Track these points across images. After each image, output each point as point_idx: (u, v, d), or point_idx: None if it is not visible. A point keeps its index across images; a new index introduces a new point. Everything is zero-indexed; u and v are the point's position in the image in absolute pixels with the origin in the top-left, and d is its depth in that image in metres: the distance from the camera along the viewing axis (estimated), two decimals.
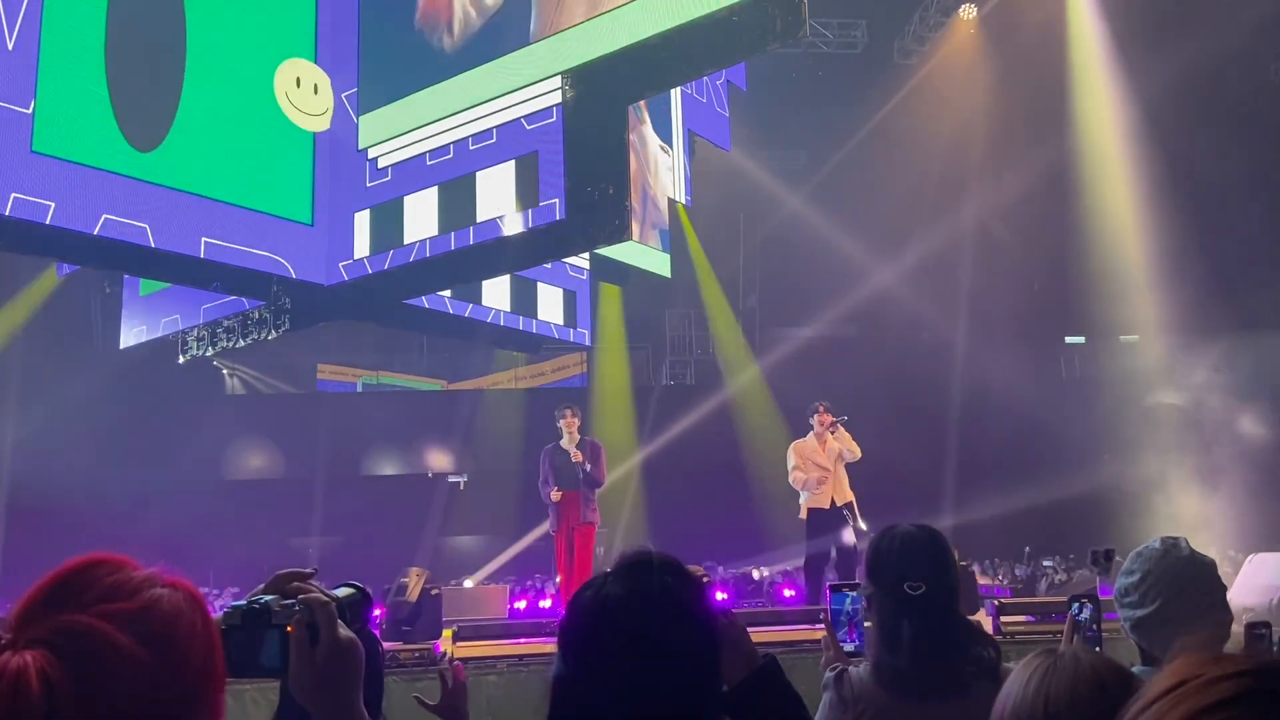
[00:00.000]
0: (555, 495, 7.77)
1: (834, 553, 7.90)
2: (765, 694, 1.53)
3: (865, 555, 2.28)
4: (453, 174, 7.49)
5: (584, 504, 7.77)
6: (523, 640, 6.03)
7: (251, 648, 1.18)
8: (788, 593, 9.34)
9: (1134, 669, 2.14)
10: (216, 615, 1.13)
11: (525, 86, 7.05)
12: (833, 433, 7.93)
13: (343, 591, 1.29)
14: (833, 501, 7.87)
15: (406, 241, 7.65)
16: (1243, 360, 14.07)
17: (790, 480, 8.00)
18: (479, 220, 7.30)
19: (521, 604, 9.74)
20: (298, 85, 7.95)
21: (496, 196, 7.25)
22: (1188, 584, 2.12)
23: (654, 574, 1.42)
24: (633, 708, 1.32)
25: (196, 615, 1.07)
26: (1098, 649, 2.24)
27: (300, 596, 1.20)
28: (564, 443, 7.90)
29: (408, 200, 7.72)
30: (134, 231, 6.98)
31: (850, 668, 2.19)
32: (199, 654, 1.05)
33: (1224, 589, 2.18)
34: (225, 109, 7.59)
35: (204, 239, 7.32)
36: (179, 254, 7.22)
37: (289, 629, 1.18)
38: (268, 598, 1.21)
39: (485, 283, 9.38)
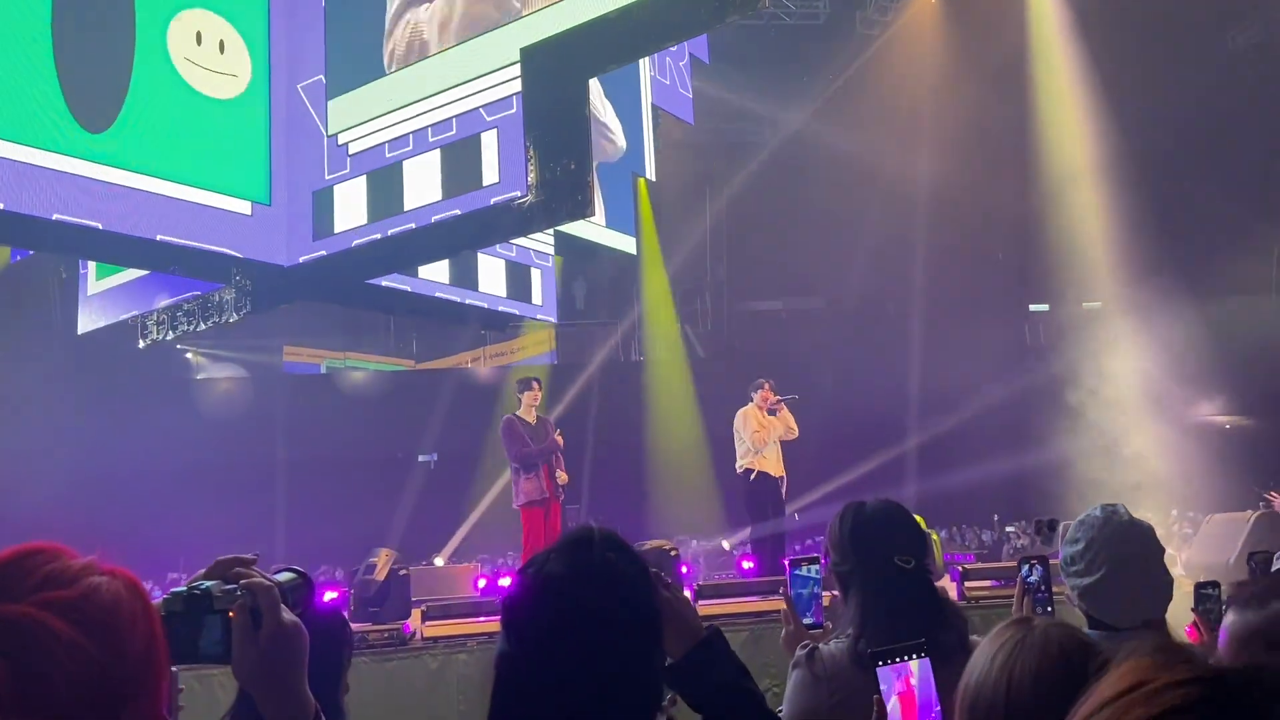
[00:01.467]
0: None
1: (771, 522, 8.21)
2: (710, 666, 1.54)
3: (836, 531, 2.27)
4: (414, 152, 7.41)
5: (554, 476, 8.01)
6: (492, 618, 6.04)
7: (193, 633, 1.17)
8: (746, 564, 9.47)
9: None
10: (157, 602, 1.12)
11: (488, 74, 6.97)
12: (775, 413, 8.18)
13: (284, 576, 1.29)
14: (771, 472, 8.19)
15: (367, 221, 7.56)
16: (1200, 326, 14.29)
17: (750, 440, 8.19)
18: (440, 199, 7.23)
19: (483, 582, 9.72)
20: (198, 42, 7.49)
21: (457, 174, 7.18)
22: (1130, 549, 2.16)
23: (595, 550, 1.43)
24: (576, 683, 1.33)
25: (137, 603, 1.06)
26: (1049, 609, 2.28)
27: (242, 581, 1.20)
28: (521, 411, 8.02)
29: (368, 180, 7.63)
30: (88, 215, 6.84)
31: (821, 645, 2.19)
32: (140, 641, 1.05)
33: (1163, 551, 2.22)
34: (177, 87, 7.43)
35: (159, 221, 7.19)
36: (134, 237, 7.08)
37: (231, 614, 1.17)
38: (208, 583, 1.20)
39: (448, 261, 9.29)
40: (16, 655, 0.93)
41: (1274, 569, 2.44)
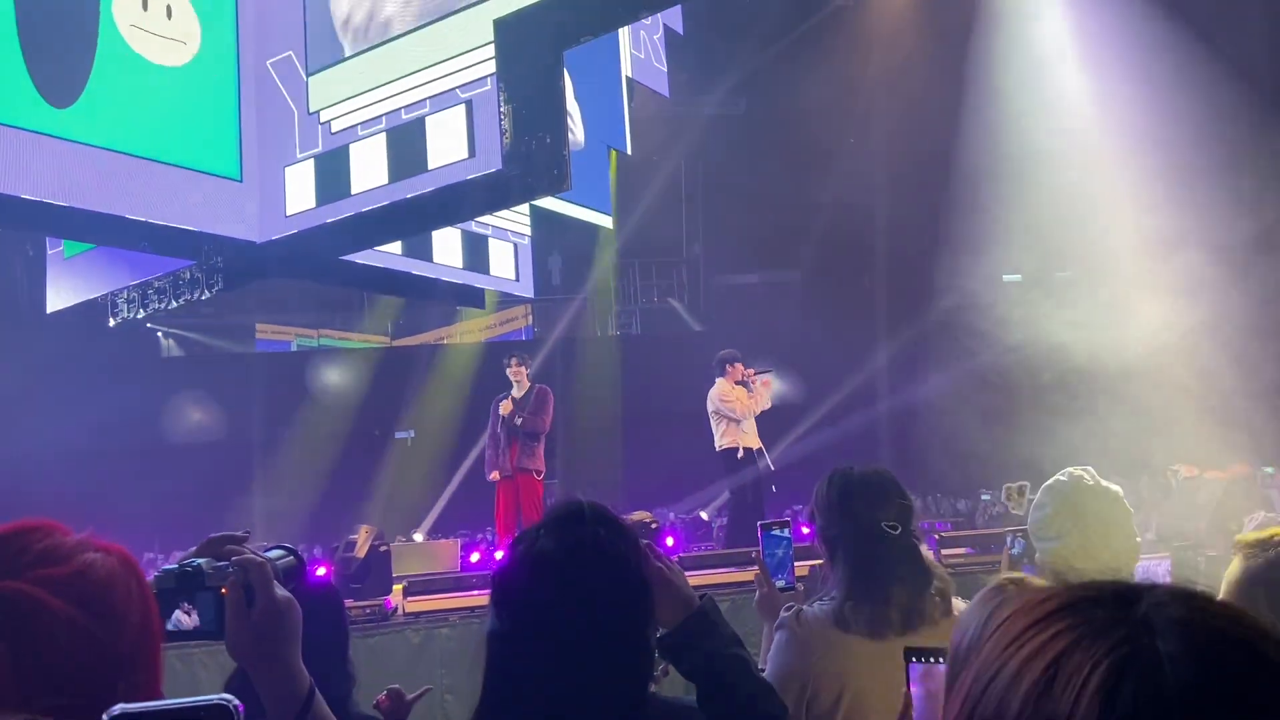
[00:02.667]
0: (504, 407, 7.81)
1: (750, 495, 8.23)
2: (703, 636, 1.54)
3: (824, 496, 2.28)
4: (388, 127, 7.33)
5: (521, 452, 7.78)
6: (474, 592, 6.06)
7: (183, 610, 1.17)
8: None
9: None
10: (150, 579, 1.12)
11: (465, 53, 6.90)
12: (749, 388, 8.19)
13: (275, 554, 1.29)
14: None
15: (339, 197, 7.49)
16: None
17: (730, 411, 8.19)
18: (415, 173, 7.16)
19: (476, 556, 9.75)
20: (145, 8, 7.31)
21: (433, 148, 7.11)
22: (1096, 513, 2.20)
23: (586, 525, 1.43)
24: (569, 659, 1.33)
25: (131, 579, 1.06)
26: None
27: (234, 559, 1.20)
28: (515, 392, 7.97)
29: (341, 154, 7.54)
30: (54, 192, 6.73)
31: (805, 607, 2.20)
32: (135, 616, 1.05)
33: (1129, 515, 2.26)
34: (143, 61, 7.31)
35: (127, 197, 7.09)
36: (102, 214, 6.99)
37: (223, 591, 1.17)
38: (199, 560, 1.20)
39: (427, 236, 9.24)
40: (13, 631, 0.93)
41: (1247, 529, 2.49)
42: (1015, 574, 1.89)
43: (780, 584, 2.26)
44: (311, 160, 7.67)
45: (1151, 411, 13.06)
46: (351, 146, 7.49)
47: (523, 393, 7.94)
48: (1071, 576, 2.10)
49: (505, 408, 7.82)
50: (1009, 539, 2.35)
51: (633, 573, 1.41)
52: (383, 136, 7.34)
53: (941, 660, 1.49)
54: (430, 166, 7.09)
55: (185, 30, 7.56)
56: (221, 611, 1.17)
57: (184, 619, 1.16)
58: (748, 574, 6.07)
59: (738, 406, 8.16)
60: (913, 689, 1.46)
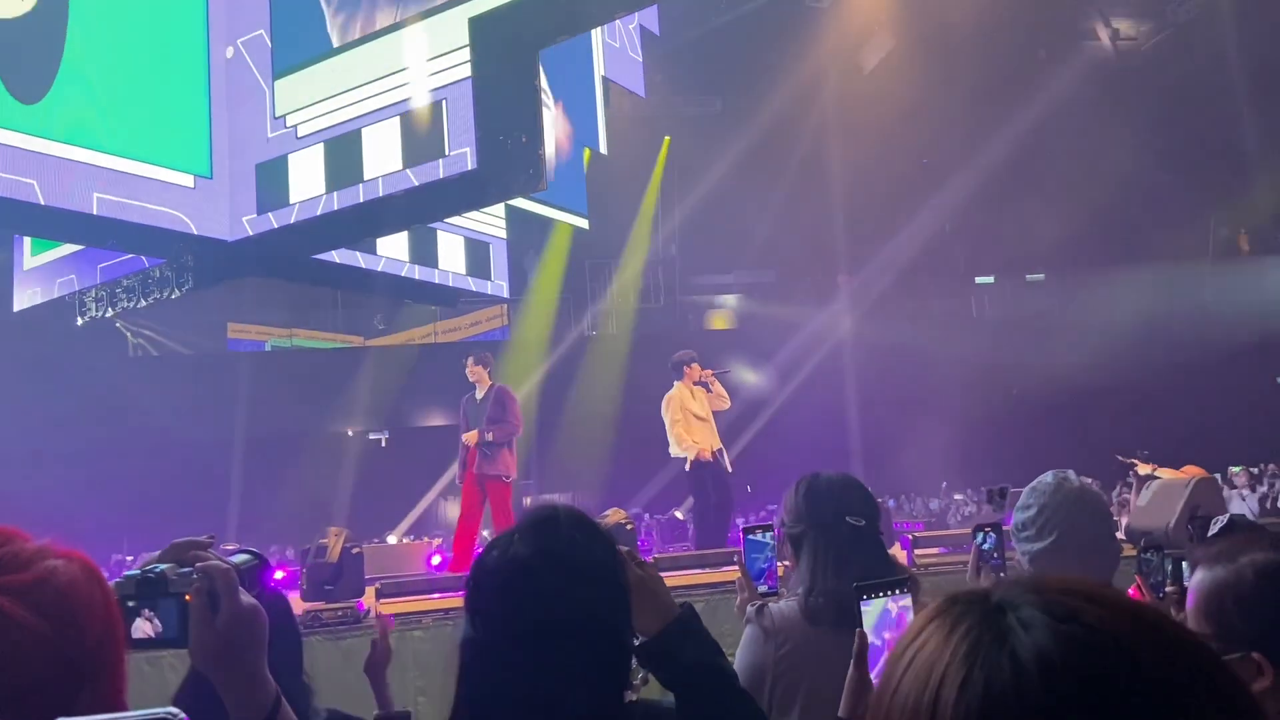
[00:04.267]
0: (468, 438, 7.61)
1: (714, 497, 8.09)
2: (683, 645, 1.53)
3: (791, 500, 2.30)
4: (362, 125, 7.28)
5: (482, 458, 7.45)
6: (447, 594, 6.01)
7: (146, 617, 1.15)
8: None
9: None
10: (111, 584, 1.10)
11: (441, 56, 6.87)
12: (708, 389, 8.03)
13: (240, 558, 1.27)
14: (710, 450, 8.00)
15: (313, 194, 7.43)
16: (1135, 291, 14.62)
17: (673, 437, 8.00)
18: (389, 171, 7.12)
19: (438, 559, 9.69)
20: None
21: (408, 148, 7.08)
22: (1080, 516, 2.21)
23: (561, 530, 1.41)
24: (543, 666, 1.31)
25: (93, 586, 1.04)
26: (1003, 575, 2.33)
27: (198, 564, 1.18)
28: (477, 394, 7.79)
29: (314, 151, 7.49)
30: (21, 188, 6.63)
31: (771, 603, 2.22)
32: (97, 624, 1.03)
33: (1112, 518, 2.28)
34: (112, 56, 7.22)
35: (96, 195, 7.00)
36: (70, 211, 6.89)
37: (187, 597, 1.15)
38: (163, 566, 1.18)
39: (398, 236, 9.18)
40: None
41: (1211, 533, 2.51)
42: (984, 580, 1.91)
43: (762, 589, 2.27)
44: (284, 155, 7.60)
45: (1117, 415, 13.25)
46: (325, 144, 7.44)
47: (483, 393, 7.72)
48: (1054, 578, 2.13)
49: (471, 439, 7.52)
50: (978, 535, 2.36)
51: (609, 579, 1.39)
52: (365, 132, 7.28)
53: (890, 592, 1.51)
54: (402, 167, 7.06)
55: None
56: (185, 618, 1.15)
57: (147, 626, 1.14)
58: (722, 574, 6.09)
59: (676, 424, 7.96)
60: (865, 623, 1.49)
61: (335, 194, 7.33)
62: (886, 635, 1.51)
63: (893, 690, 0.64)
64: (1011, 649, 0.59)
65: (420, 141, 7.00)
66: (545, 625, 1.32)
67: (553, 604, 1.33)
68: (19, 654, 0.93)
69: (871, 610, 1.52)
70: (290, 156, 7.58)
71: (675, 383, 8.10)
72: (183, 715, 0.79)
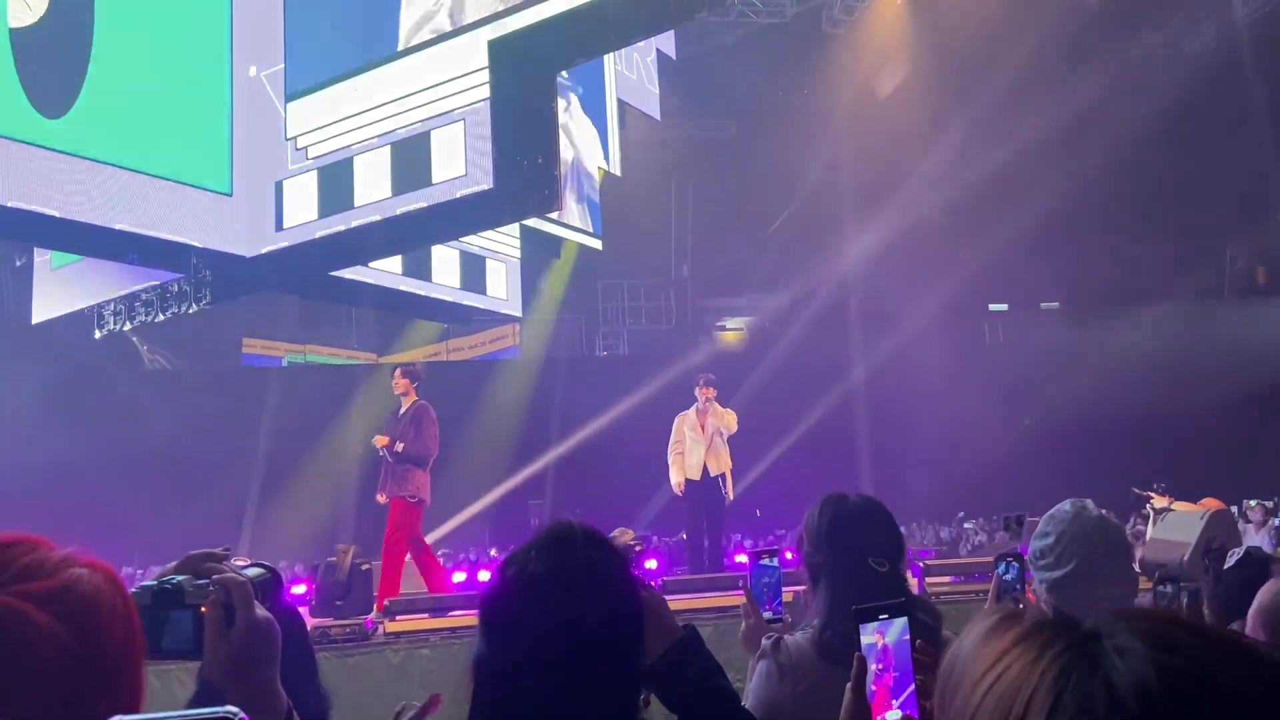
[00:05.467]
0: (377, 440, 7.10)
1: (706, 519, 8.06)
2: (687, 665, 1.52)
3: (814, 523, 2.25)
4: (378, 145, 7.35)
5: (389, 477, 7.12)
6: (456, 613, 6.01)
7: (162, 628, 1.15)
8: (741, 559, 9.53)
9: None
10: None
11: (456, 79, 6.94)
12: (703, 410, 7.97)
13: (254, 571, 1.27)
14: (705, 471, 7.95)
15: (330, 212, 7.49)
16: (1153, 326, 14.56)
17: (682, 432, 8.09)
18: (406, 190, 7.18)
19: (461, 575, 9.67)
20: None
21: (423, 168, 7.14)
22: (1099, 545, 2.20)
23: (578, 549, 1.40)
24: (559, 685, 1.31)
25: (116, 595, 1.05)
26: (1021, 606, 2.31)
27: (214, 577, 1.18)
28: (401, 411, 7.16)
29: (332, 171, 7.56)
30: (44, 202, 6.72)
31: (786, 636, 2.18)
32: (119, 633, 1.04)
33: (1130, 549, 2.26)
34: (136, 74, 7.32)
35: (116, 209, 7.08)
36: (91, 225, 6.97)
37: (203, 609, 1.16)
38: (179, 577, 1.18)
39: (414, 255, 9.24)
40: (3, 646, 0.92)
41: (1228, 565, 2.50)
42: (1007, 606, 1.89)
43: (767, 615, 2.23)
44: (304, 176, 7.67)
45: (1132, 448, 13.17)
46: (341, 164, 7.51)
47: (404, 409, 7.13)
48: (1071, 607, 2.12)
49: (380, 442, 7.17)
50: (1000, 565, 2.33)
51: (626, 596, 1.39)
52: (381, 152, 7.35)
53: (885, 616, 1.50)
54: (423, 186, 7.11)
55: None
56: (201, 630, 1.16)
57: (165, 638, 1.15)
58: (730, 599, 6.06)
59: (674, 443, 7.96)
60: (864, 647, 1.47)
61: (351, 213, 7.39)
62: (878, 665, 1.51)
63: (971, 715, 0.63)
64: (1106, 676, 0.57)
65: (437, 161, 7.06)
66: (562, 642, 1.31)
67: (570, 621, 1.32)
68: (43, 661, 0.94)
69: (870, 634, 1.51)
70: (307, 175, 7.65)
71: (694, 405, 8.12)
72: (243, 715, 0.80)
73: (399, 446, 6.95)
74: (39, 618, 0.95)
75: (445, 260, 9.68)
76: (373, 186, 7.34)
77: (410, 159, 7.21)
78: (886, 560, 2.13)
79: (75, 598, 0.99)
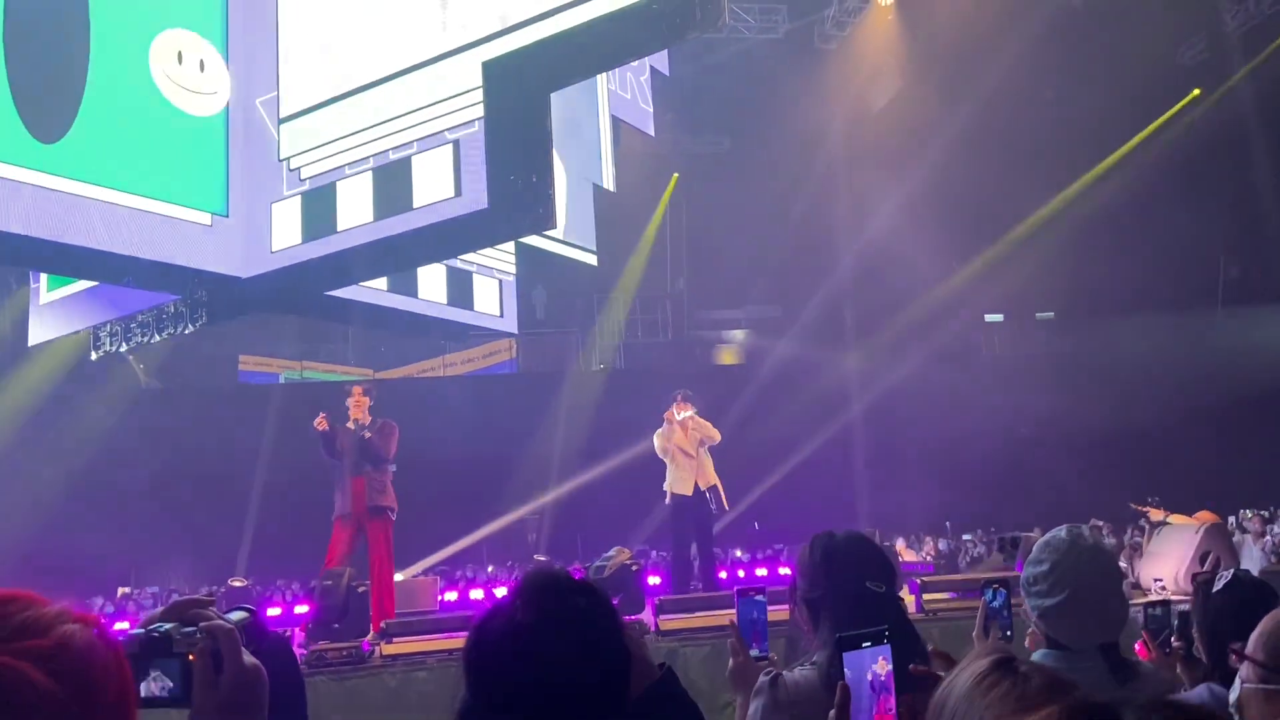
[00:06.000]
0: (319, 421, 7.16)
1: (695, 535, 8.06)
2: (664, 705, 1.54)
3: (808, 559, 2.27)
4: (373, 166, 7.37)
5: (370, 487, 7.15)
6: (453, 635, 6.00)
7: (149, 676, 1.16)
8: (723, 575, 9.53)
9: (1038, 653, 2.24)
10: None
11: (450, 99, 6.96)
12: (682, 423, 7.97)
13: (237, 616, 1.28)
14: (695, 486, 7.95)
15: (324, 234, 7.51)
16: (1151, 337, 14.59)
17: (659, 452, 8.09)
18: (401, 210, 7.20)
19: (452, 595, 9.68)
20: (180, 61, 7.51)
21: (422, 186, 7.16)
22: (1092, 574, 2.22)
23: (565, 596, 1.42)
24: None
25: (109, 651, 1.06)
26: (1009, 633, 2.32)
27: (201, 624, 1.20)
28: (356, 425, 7.27)
29: (326, 191, 7.58)
30: (40, 226, 6.73)
31: (785, 672, 2.19)
32: (113, 688, 1.05)
33: (1123, 577, 2.29)
34: (131, 98, 7.34)
35: (113, 232, 7.09)
36: (88, 249, 6.98)
37: (190, 657, 1.17)
38: (166, 625, 1.19)
39: (412, 272, 9.25)
40: (1, 705, 0.93)
41: (1216, 589, 2.51)
42: (999, 645, 1.89)
43: (754, 653, 2.24)
44: (299, 197, 7.69)
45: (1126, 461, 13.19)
46: (339, 184, 7.53)
47: (366, 424, 7.30)
48: (1062, 636, 2.13)
49: (320, 423, 7.13)
50: (987, 592, 2.36)
51: (612, 642, 1.40)
52: (369, 175, 7.38)
53: (867, 644, 1.51)
54: (416, 205, 7.13)
55: (215, 84, 7.73)
56: (189, 678, 1.17)
57: (153, 686, 1.16)
58: (727, 618, 6.06)
59: (661, 450, 7.98)
60: (848, 675, 1.48)
61: (346, 233, 7.40)
62: (867, 689, 1.52)
63: None
64: None
65: (431, 181, 7.08)
66: (550, 691, 1.32)
67: (557, 669, 1.33)
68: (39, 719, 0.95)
69: (854, 662, 1.53)
70: (300, 196, 7.67)
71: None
72: None
73: (367, 434, 6.98)
74: (36, 677, 0.96)
75: (433, 277, 9.67)
76: (367, 207, 7.36)
77: (405, 178, 7.23)
78: (882, 583, 2.16)
79: (70, 655, 1.01)
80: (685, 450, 7.94)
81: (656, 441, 8.09)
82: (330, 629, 5.96)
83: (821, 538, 2.26)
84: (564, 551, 12.16)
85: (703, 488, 7.95)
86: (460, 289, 9.99)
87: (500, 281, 10.66)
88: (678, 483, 7.95)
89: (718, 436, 8.10)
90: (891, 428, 15.16)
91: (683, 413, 7.99)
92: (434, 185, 7.09)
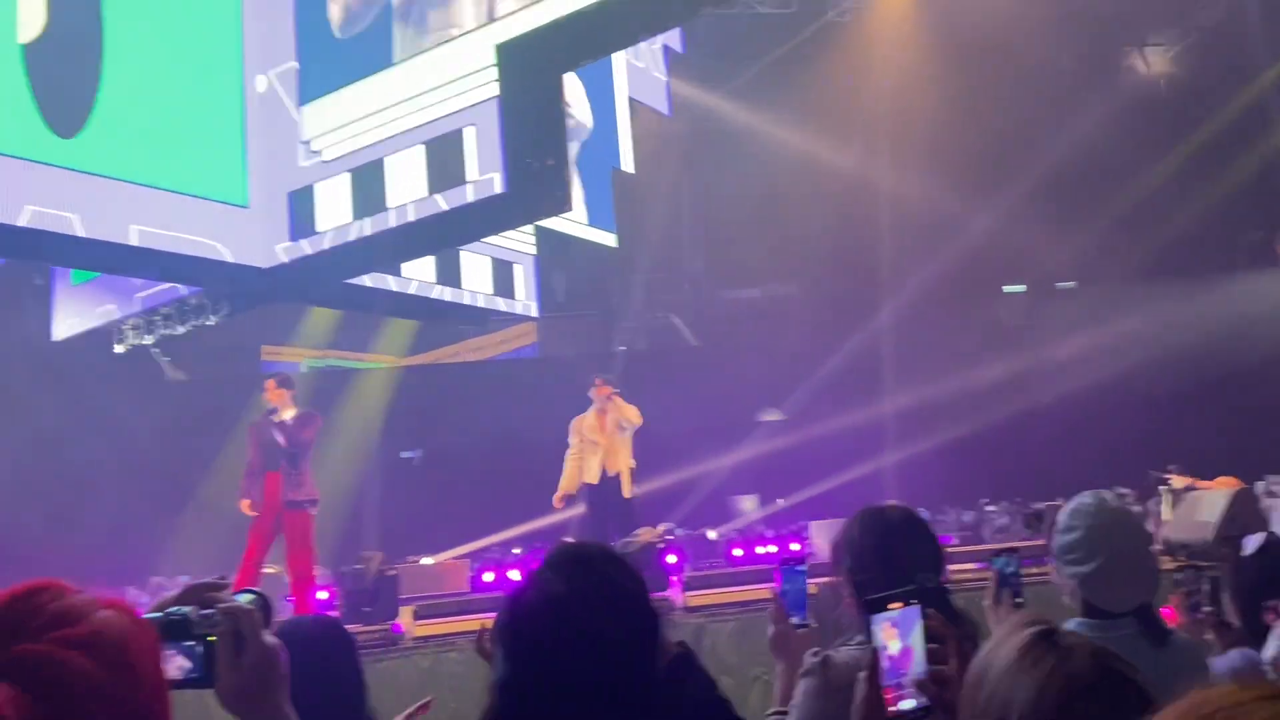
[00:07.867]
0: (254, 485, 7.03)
1: (610, 524, 7.90)
2: (683, 680, 1.55)
3: (856, 538, 2.24)
4: (391, 151, 7.38)
5: (287, 481, 6.92)
6: (484, 615, 6.05)
7: (170, 658, 1.18)
8: (737, 551, 9.57)
9: (1073, 622, 2.22)
10: None
11: (465, 77, 6.95)
12: (602, 409, 7.86)
13: (246, 598, 1.30)
14: (603, 473, 7.82)
15: (343, 221, 7.54)
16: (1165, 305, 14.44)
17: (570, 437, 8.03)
18: (418, 196, 7.21)
19: (489, 576, 9.68)
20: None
21: (436, 172, 7.16)
22: (1124, 537, 2.22)
23: (596, 566, 1.43)
24: (584, 704, 1.33)
25: (144, 635, 1.08)
26: (1019, 598, 2.28)
27: (219, 606, 1.21)
28: (279, 416, 7.03)
29: (343, 178, 7.60)
30: (61, 221, 6.79)
31: (833, 653, 2.18)
32: (150, 671, 1.07)
33: (1150, 537, 2.27)
34: (148, 90, 7.38)
35: (134, 226, 7.14)
36: (109, 243, 7.04)
37: (211, 639, 1.19)
38: (185, 609, 1.21)
39: (431, 258, 9.28)
40: (42, 694, 0.94)
41: (1244, 554, 2.50)
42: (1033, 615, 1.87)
43: (795, 620, 2.25)
44: (316, 183, 7.71)
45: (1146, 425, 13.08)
46: (354, 171, 7.54)
47: (288, 415, 7.03)
48: (1101, 601, 2.13)
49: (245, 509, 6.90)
50: (998, 560, 2.34)
51: (644, 612, 1.43)
52: (395, 158, 7.38)
53: (896, 605, 1.51)
54: (434, 190, 7.14)
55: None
56: (209, 660, 1.19)
57: (170, 669, 1.18)
58: (752, 592, 6.08)
59: (571, 449, 7.89)
60: (875, 634, 1.48)
61: (366, 220, 7.43)
62: (893, 651, 1.52)
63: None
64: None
65: (448, 166, 7.09)
66: (584, 661, 1.34)
67: (591, 639, 1.35)
68: (87, 707, 0.97)
69: (880, 625, 1.53)
70: (320, 184, 7.69)
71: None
72: None
73: (277, 424, 6.81)
74: (80, 664, 0.98)
75: (475, 265, 9.72)
76: (384, 193, 7.38)
77: (421, 164, 7.24)
78: (933, 573, 2.14)
79: (108, 641, 1.02)
80: (592, 438, 7.79)
81: (571, 435, 7.98)
82: (360, 612, 6.03)
83: (872, 514, 2.22)
84: (590, 533, 12.20)
85: (611, 473, 7.76)
86: (482, 273, 10.03)
87: (520, 264, 10.70)
88: (586, 471, 7.79)
89: (639, 420, 7.90)
90: (913, 398, 15.07)
91: (602, 396, 7.85)
92: (450, 171, 7.09)
